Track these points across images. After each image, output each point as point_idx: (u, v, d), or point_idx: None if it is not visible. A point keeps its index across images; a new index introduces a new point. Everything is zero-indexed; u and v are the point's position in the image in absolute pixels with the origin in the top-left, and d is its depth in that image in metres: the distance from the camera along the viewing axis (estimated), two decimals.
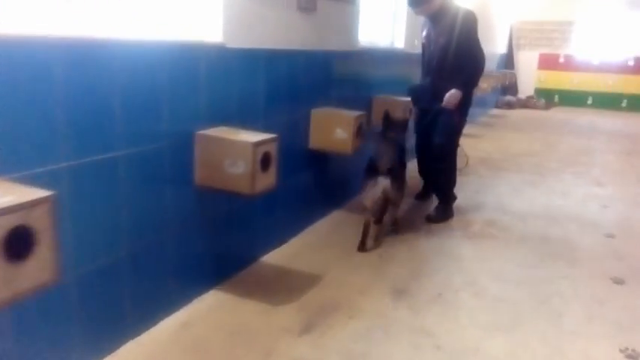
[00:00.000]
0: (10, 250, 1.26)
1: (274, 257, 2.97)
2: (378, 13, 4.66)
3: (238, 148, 2.20)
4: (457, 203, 4.00)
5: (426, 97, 3.81)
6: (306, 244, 3.20)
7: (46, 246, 1.37)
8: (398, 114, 3.75)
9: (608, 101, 11.50)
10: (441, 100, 3.60)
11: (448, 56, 3.58)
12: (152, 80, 2.00)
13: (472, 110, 4.21)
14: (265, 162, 2.27)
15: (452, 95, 3.56)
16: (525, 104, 11.54)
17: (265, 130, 2.58)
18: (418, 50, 5.11)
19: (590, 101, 11.76)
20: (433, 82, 3.75)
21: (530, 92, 12.13)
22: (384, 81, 4.55)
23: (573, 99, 11.81)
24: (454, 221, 3.77)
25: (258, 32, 2.64)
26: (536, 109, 11.30)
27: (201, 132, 2.27)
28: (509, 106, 11.28)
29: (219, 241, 2.56)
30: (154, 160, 2.08)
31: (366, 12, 4.36)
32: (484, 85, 7.56)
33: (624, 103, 11.45)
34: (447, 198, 3.90)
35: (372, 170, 3.21)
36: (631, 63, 11.19)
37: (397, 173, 3.33)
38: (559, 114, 10.70)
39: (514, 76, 11.80)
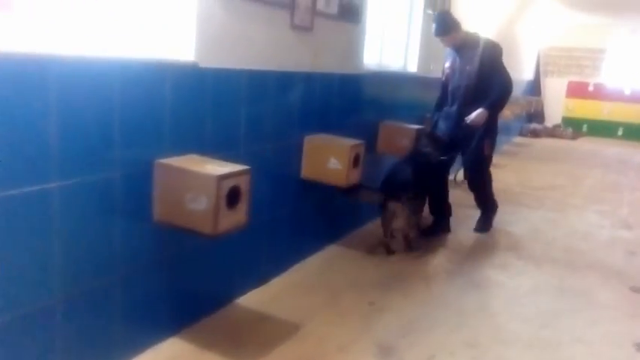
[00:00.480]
0: None
1: (251, 299, 2.67)
2: (390, 35, 4.39)
3: (200, 181, 1.93)
4: (466, 242, 3.69)
5: (451, 125, 3.89)
6: (291, 285, 2.90)
7: None
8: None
9: (639, 133, 10.95)
10: (467, 126, 3.72)
11: (474, 83, 3.72)
12: (99, 101, 1.76)
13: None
14: (233, 197, 1.99)
15: (478, 114, 3.67)
16: (552, 133, 11.08)
17: (246, 159, 2.32)
18: (434, 75, 4.88)
19: (620, 132, 11.23)
20: (459, 110, 3.82)
21: (558, 121, 11.67)
22: (394, 106, 4.26)
23: (603, 129, 11.30)
24: (460, 265, 3.42)
25: (240, 52, 2.39)
26: (563, 139, 10.83)
27: (162, 161, 2.00)
28: (535, 134, 10.84)
29: (182, 282, 2.28)
30: (101, 193, 1.82)
31: (377, 34, 4.11)
32: (506, 112, 7.20)
33: None
34: (487, 209, 4.15)
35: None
36: None
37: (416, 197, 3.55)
38: (587, 145, 10.22)
39: (540, 103, 11.39)
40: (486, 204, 4.13)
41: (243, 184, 2.04)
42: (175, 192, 1.97)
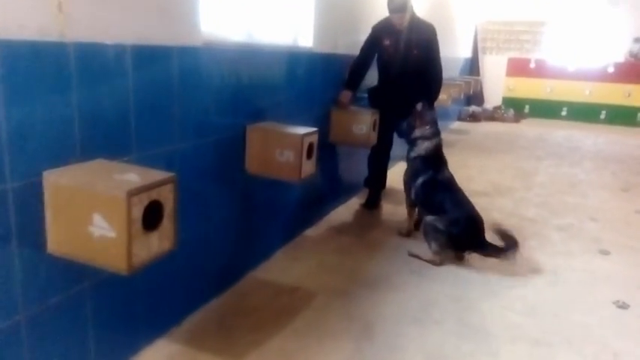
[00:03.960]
0: None
1: None
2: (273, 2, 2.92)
3: None
4: (370, 323, 2.34)
5: (397, 103, 3.71)
6: None
7: None
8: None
9: (585, 113, 10.11)
10: (405, 106, 3.54)
11: (419, 68, 3.71)
12: None
13: None
14: None
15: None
16: (492, 116, 10.04)
17: None
18: (343, 52, 3.74)
19: (564, 112, 10.36)
20: (403, 90, 3.73)
21: (498, 102, 10.66)
22: (274, 100, 2.83)
23: (546, 110, 10.39)
24: None
25: None
26: (505, 122, 9.81)
27: None
28: (475, 118, 9.75)
29: None
30: None
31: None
32: (443, 97, 5.95)
33: (603, 115, 10.08)
34: None
35: None
36: (611, 70, 9.81)
37: None
38: (531, 128, 9.22)
39: (479, 84, 10.31)
40: None
41: None
42: None
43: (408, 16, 3.59)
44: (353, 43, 3.85)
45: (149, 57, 1.88)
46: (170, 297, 2.18)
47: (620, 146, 7.70)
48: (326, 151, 3.60)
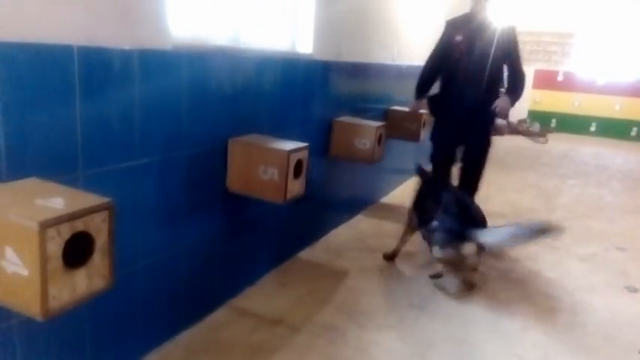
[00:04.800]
0: None
1: None
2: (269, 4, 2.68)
3: None
4: None
5: (463, 111, 3.32)
6: None
7: None
8: None
9: (614, 129, 9.60)
10: (480, 112, 3.32)
11: (493, 68, 3.27)
12: None
13: None
14: None
15: (508, 103, 3.29)
16: (517, 130, 9.61)
17: None
18: (346, 59, 3.41)
19: (593, 128, 9.85)
20: (477, 95, 3.28)
21: (523, 115, 10.21)
22: (263, 110, 2.58)
23: (573, 125, 9.90)
24: None
25: None
26: (530, 137, 9.38)
27: None
28: (498, 131, 9.31)
29: None
30: None
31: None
32: None
33: (634, 132, 9.54)
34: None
35: None
36: None
37: None
38: (557, 143, 8.77)
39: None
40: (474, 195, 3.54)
41: None
42: None
43: (489, 6, 3.24)
44: (359, 50, 3.59)
45: (102, 60, 1.64)
46: (125, 332, 1.93)
47: None
48: (326, 165, 3.35)
